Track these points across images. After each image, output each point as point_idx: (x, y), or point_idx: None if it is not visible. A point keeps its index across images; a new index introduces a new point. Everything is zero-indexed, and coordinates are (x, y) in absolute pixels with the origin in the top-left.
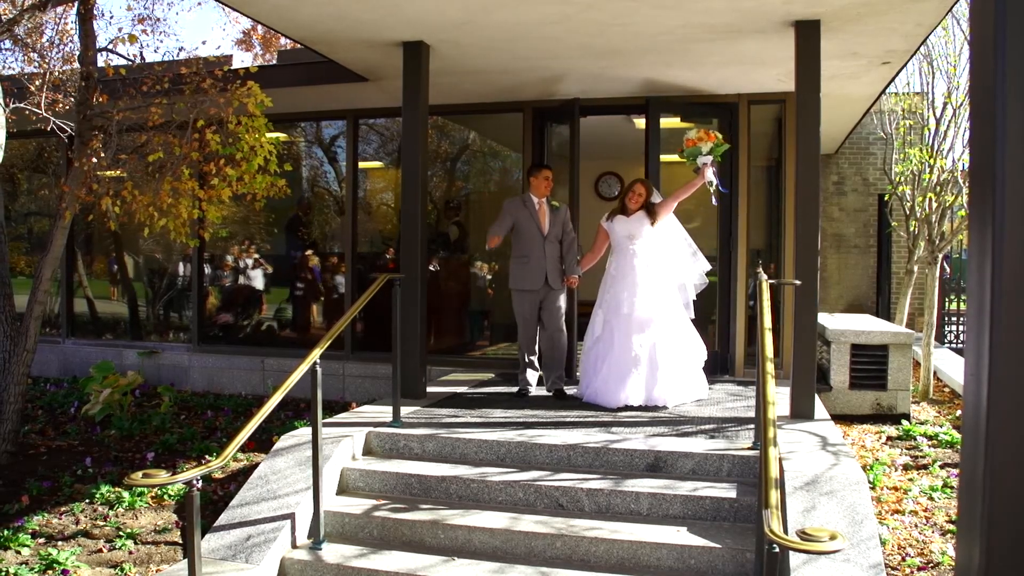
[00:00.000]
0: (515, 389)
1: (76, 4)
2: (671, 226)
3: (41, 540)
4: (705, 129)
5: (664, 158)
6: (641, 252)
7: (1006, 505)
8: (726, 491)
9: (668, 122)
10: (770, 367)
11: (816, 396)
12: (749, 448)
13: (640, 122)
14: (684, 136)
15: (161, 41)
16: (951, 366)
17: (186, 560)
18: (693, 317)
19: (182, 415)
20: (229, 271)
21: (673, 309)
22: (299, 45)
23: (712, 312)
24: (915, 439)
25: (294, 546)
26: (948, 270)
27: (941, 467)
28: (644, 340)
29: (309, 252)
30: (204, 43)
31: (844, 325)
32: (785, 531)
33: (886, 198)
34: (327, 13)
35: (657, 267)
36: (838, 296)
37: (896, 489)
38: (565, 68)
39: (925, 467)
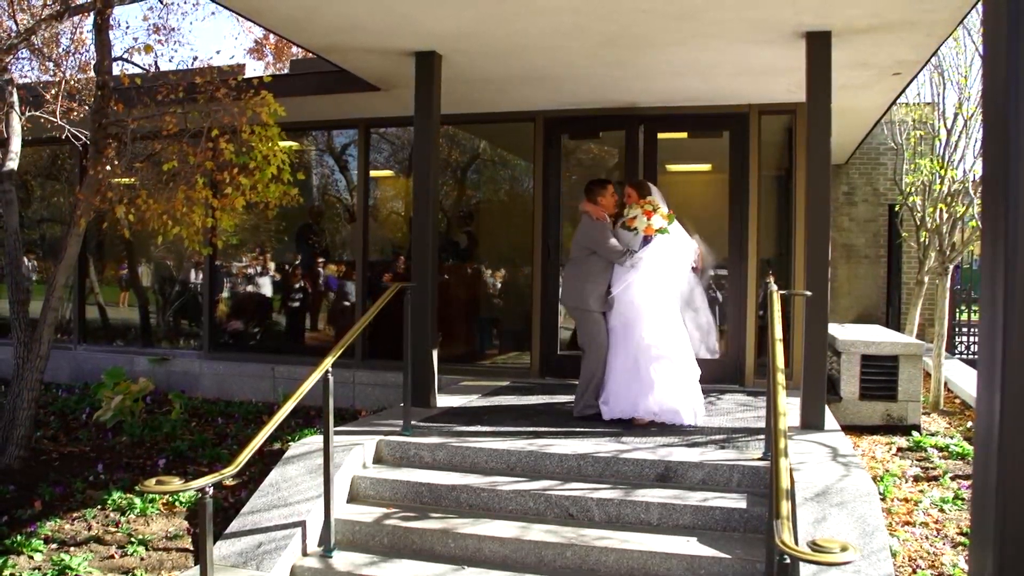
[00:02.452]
0: (530, 398)
1: (92, 14)
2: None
3: (53, 545)
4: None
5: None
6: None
7: (1019, 517)
8: (736, 501)
9: (677, 135)
10: (780, 378)
11: (826, 407)
12: (759, 458)
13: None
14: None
15: (176, 51)
16: (962, 377)
17: (198, 567)
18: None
19: (193, 422)
20: (240, 278)
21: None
22: (311, 54)
23: (723, 321)
24: (926, 450)
25: (305, 553)
26: (959, 281)
27: (952, 479)
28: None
29: (320, 260)
30: (218, 53)
31: (854, 335)
32: (796, 542)
33: (896, 208)
34: (340, 23)
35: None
36: (848, 306)
37: (907, 501)
38: (577, 78)
39: (936, 479)
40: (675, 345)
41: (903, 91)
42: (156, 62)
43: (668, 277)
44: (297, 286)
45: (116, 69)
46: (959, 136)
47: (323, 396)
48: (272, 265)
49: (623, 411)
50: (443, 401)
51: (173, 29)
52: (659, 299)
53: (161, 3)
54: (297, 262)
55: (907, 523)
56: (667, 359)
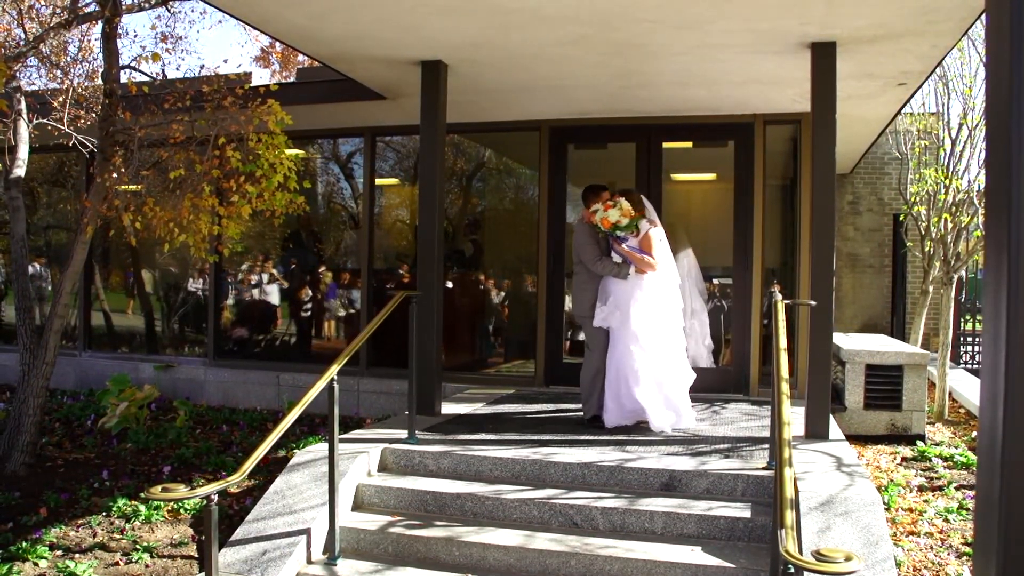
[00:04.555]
0: (535, 407)
1: (100, 23)
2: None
3: (59, 552)
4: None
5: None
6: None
7: (1022, 526)
8: (741, 511)
9: (682, 144)
10: (785, 387)
11: (831, 416)
12: (764, 468)
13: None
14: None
15: (183, 59)
16: (966, 387)
17: (203, 574)
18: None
19: (198, 429)
20: (245, 286)
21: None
22: (318, 63)
23: (727, 331)
24: (930, 460)
25: (309, 561)
26: (964, 290)
27: (956, 489)
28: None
29: (325, 268)
30: (226, 62)
31: (859, 345)
32: (800, 551)
33: (901, 218)
34: (347, 32)
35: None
36: (853, 316)
37: (911, 510)
38: (583, 87)
39: (940, 488)
40: (667, 351)
41: (908, 101)
42: (163, 70)
43: (659, 285)
44: (302, 294)
45: (123, 77)
46: (963, 146)
47: (328, 404)
48: (277, 272)
49: (621, 417)
50: (448, 409)
51: (180, 37)
52: (653, 306)
53: (168, 11)
54: (302, 270)
55: (912, 533)
56: (658, 365)
